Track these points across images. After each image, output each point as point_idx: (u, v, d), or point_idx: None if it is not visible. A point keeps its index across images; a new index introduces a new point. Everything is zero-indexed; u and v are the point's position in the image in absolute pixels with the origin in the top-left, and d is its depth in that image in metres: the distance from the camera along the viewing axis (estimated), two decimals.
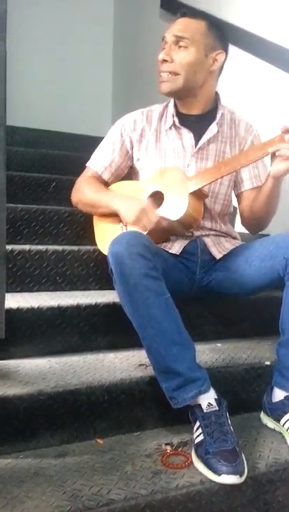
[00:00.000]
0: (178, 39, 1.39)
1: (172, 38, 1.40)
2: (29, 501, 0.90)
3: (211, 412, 1.09)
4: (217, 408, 1.10)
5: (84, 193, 1.50)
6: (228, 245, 1.45)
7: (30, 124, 2.65)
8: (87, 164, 1.56)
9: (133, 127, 1.49)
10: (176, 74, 1.40)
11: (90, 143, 2.71)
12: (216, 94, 1.51)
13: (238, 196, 1.54)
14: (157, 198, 1.41)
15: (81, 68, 3.26)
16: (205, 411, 1.09)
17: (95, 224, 1.55)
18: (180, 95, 1.45)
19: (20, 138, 2.51)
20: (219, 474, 0.99)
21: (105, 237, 1.48)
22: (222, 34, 1.45)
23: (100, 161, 1.53)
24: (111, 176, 1.52)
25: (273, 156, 1.28)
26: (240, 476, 1.00)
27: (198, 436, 1.08)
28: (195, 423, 1.10)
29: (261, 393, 1.32)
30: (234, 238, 1.53)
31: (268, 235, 1.73)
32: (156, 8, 2.79)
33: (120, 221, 1.45)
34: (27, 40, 3.12)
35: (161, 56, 1.41)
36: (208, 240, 1.44)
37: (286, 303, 1.22)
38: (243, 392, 1.30)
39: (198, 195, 1.38)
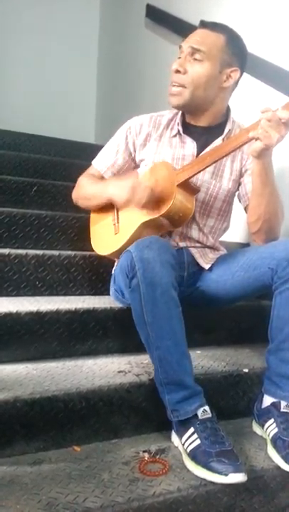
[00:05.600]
0: (194, 51, 1.35)
1: (189, 49, 1.36)
2: (3, 510, 0.88)
3: (205, 419, 1.10)
4: (210, 415, 1.11)
5: (84, 187, 1.53)
6: (212, 255, 1.45)
7: (12, 128, 2.64)
8: (92, 162, 1.57)
9: (139, 131, 1.49)
10: (184, 87, 1.37)
11: (73, 148, 2.73)
12: (228, 108, 1.47)
13: (246, 209, 1.44)
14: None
15: (65, 73, 3.27)
16: (200, 417, 1.09)
17: (91, 224, 1.56)
18: (188, 109, 1.43)
19: (2, 141, 2.50)
20: (227, 475, 0.99)
21: (99, 237, 1.51)
22: (241, 51, 1.40)
23: (104, 161, 1.54)
24: (113, 176, 1.53)
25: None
26: (245, 474, 1.00)
27: (191, 442, 1.07)
28: (186, 431, 1.09)
29: (239, 401, 1.33)
30: (217, 250, 1.51)
31: (248, 245, 1.75)
32: (142, 17, 2.82)
33: (112, 218, 1.45)
34: (12, 44, 3.12)
35: (174, 66, 1.37)
36: (195, 252, 1.43)
37: (275, 311, 1.22)
38: (220, 399, 1.31)
39: (188, 189, 1.34)
